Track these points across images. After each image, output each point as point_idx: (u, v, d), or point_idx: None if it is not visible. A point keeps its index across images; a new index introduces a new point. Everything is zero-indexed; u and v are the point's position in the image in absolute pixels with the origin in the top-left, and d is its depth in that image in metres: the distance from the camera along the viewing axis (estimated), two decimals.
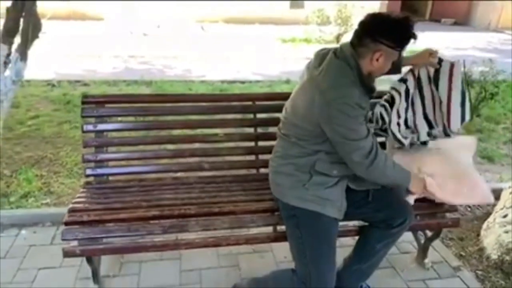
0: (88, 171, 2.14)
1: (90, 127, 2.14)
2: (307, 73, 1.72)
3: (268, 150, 1.99)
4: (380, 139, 1.96)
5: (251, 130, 2.33)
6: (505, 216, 2.37)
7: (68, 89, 5.14)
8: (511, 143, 4.05)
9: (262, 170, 2.22)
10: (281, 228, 1.88)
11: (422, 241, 2.33)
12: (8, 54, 2.68)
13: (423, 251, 2.30)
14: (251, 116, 2.32)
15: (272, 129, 2.07)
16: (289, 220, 1.77)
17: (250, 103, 2.32)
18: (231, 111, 2.42)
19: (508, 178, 3.08)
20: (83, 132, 2.15)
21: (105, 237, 1.86)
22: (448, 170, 1.90)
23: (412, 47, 1.68)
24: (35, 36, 2.79)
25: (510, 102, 5.05)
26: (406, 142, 1.93)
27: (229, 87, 5.62)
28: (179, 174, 2.40)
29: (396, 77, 1.94)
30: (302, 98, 1.68)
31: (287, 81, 5.89)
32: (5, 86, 2.69)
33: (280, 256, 2.31)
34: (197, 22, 11.11)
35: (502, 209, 2.43)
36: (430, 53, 1.85)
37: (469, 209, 2.85)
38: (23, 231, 2.45)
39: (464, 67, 1.86)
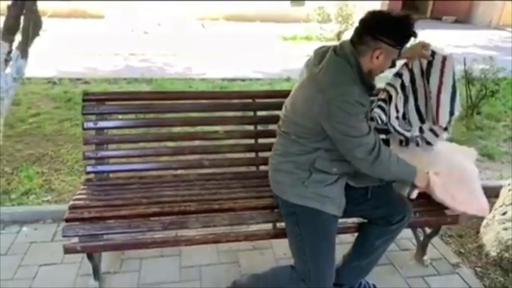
0: (89, 168, 2.15)
1: (90, 125, 2.15)
2: (306, 71, 1.72)
3: (268, 148, 1.99)
4: (383, 136, 1.97)
5: (251, 127, 2.33)
6: (504, 214, 2.38)
7: (69, 86, 5.14)
8: (511, 141, 4.05)
9: (262, 168, 2.23)
10: (281, 225, 1.89)
11: (421, 238, 2.33)
12: (9, 52, 2.68)
13: (422, 248, 2.31)
14: (251, 113, 2.33)
15: (272, 127, 2.07)
16: (289, 217, 1.78)
17: (250, 100, 2.33)
18: (231, 108, 2.43)
19: (508, 175, 3.08)
20: (84, 129, 2.16)
21: (105, 234, 1.87)
22: (453, 173, 1.90)
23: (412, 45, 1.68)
24: (35, 33, 2.79)
25: (510, 99, 5.03)
26: (409, 134, 1.93)
27: (230, 85, 5.62)
28: (179, 171, 2.40)
29: (391, 72, 1.93)
30: (301, 96, 1.68)
31: (288, 79, 5.88)
32: (6, 84, 2.69)
33: (279, 253, 2.32)
34: (197, 20, 11.08)
35: (501, 206, 2.44)
36: (423, 45, 1.84)
37: None
38: (24, 228, 2.46)
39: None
